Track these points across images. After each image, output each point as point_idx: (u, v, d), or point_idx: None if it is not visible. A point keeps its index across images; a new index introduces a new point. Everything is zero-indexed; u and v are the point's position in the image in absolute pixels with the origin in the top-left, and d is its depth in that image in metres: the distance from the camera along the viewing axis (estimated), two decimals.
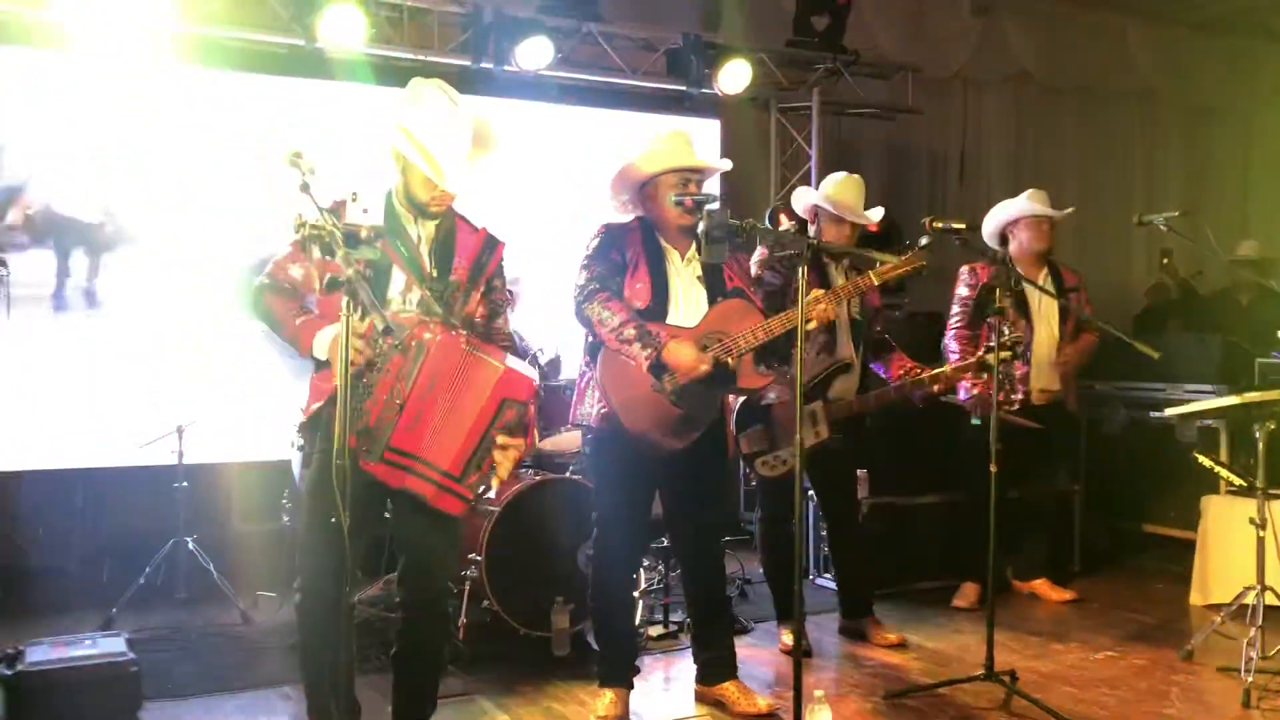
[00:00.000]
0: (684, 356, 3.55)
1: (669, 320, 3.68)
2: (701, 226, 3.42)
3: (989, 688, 3.95)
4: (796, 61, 7.09)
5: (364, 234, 2.50)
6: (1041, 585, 5.49)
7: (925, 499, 5.60)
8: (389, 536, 3.28)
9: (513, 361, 3.00)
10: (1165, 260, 7.57)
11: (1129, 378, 6.23)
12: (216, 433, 5.43)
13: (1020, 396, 5.05)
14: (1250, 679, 3.94)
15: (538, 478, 4.60)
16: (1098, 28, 8.68)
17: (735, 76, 6.57)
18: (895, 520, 5.49)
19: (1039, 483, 5.39)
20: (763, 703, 3.84)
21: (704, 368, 3.57)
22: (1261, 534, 4.10)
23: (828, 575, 5.53)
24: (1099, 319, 5.05)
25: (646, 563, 4.74)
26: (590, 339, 3.75)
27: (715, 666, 3.96)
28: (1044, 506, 5.52)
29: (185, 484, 5.14)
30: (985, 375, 4.43)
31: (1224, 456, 5.46)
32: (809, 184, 6.98)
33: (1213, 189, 9.84)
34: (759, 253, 4.45)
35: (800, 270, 3.19)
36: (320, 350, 2.95)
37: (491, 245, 3.27)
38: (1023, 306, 5.11)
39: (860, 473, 5.04)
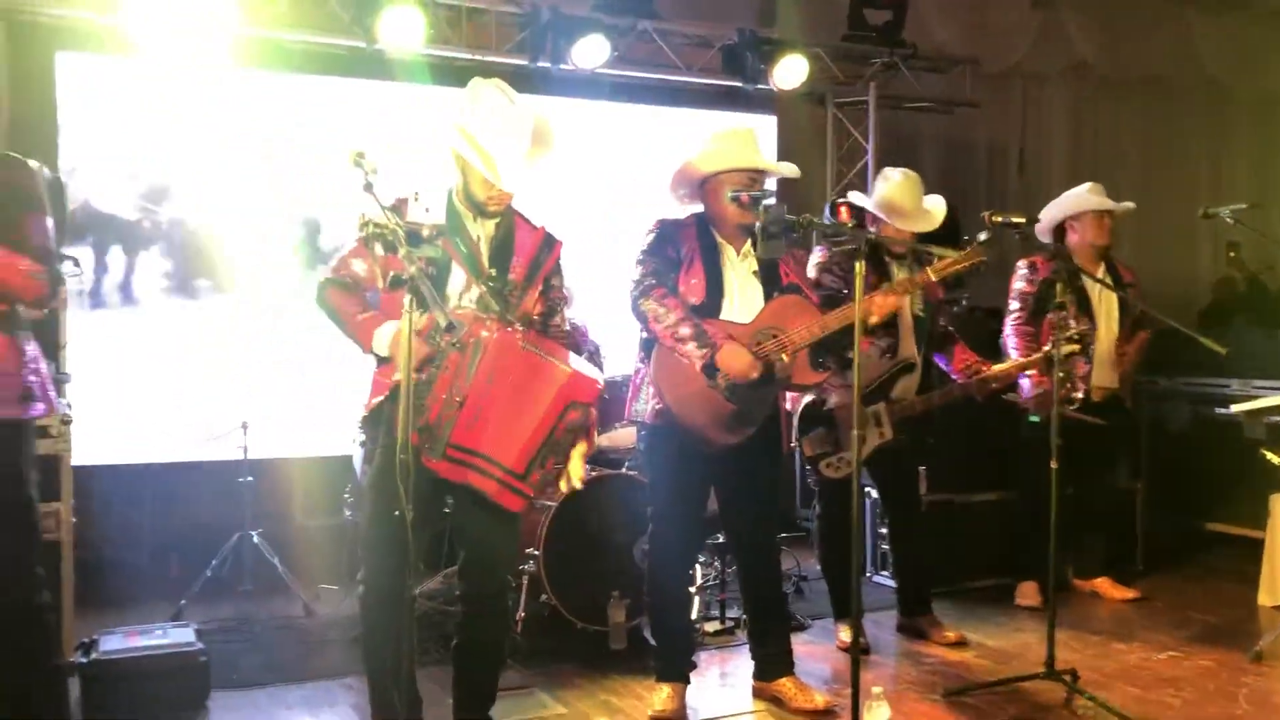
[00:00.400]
0: (736, 362, 3.55)
1: (723, 316, 3.68)
2: (758, 222, 3.42)
3: (1050, 686, 3.91)
4: (852, 56, 7.04)
5: (425, 232, 2.53)
6: (1103, 584, 5.41)
7: (982, 496, 5.55)
8: (449, 530, 3.33)
9: (577, 363, 3.04)
10: (1232, 254, 7.41)
11: (1193, 373, 6.12)
12: (280, 428, 5.54)
13: (1081, 395, 4.98)
14: None
15: (594, 473, 4.63)
16: (1160, 17, 8.50)
17: (791, 72, 6.55)
18: (952, 518, 5.44)
19: (1098, 480, 5.31)
20: (820, 699, 3.83)
21: (754, 375, 3.57)
22: None
23: (885, 573, 5.50)
24: (1163, 313, 4.97)
25: (702, 559, 4.75)
26: (645, 335, 3.76)
27: (772, 662, 3.96)
28: (1103, 504, 5.44)
29: (250, 479, 5.25)
30: (1045, 371, 4.38)
31: None
32: (865, 179, 6.95)
33: None
34: (819, 254, 4.44)
35: (858, 265, 3.18)
36: (380, 346, 3.00)
37: (549, 244, 3.31)
38: (1084, 302, 5.04)
39: (919, 469, 5.01)
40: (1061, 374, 3.95)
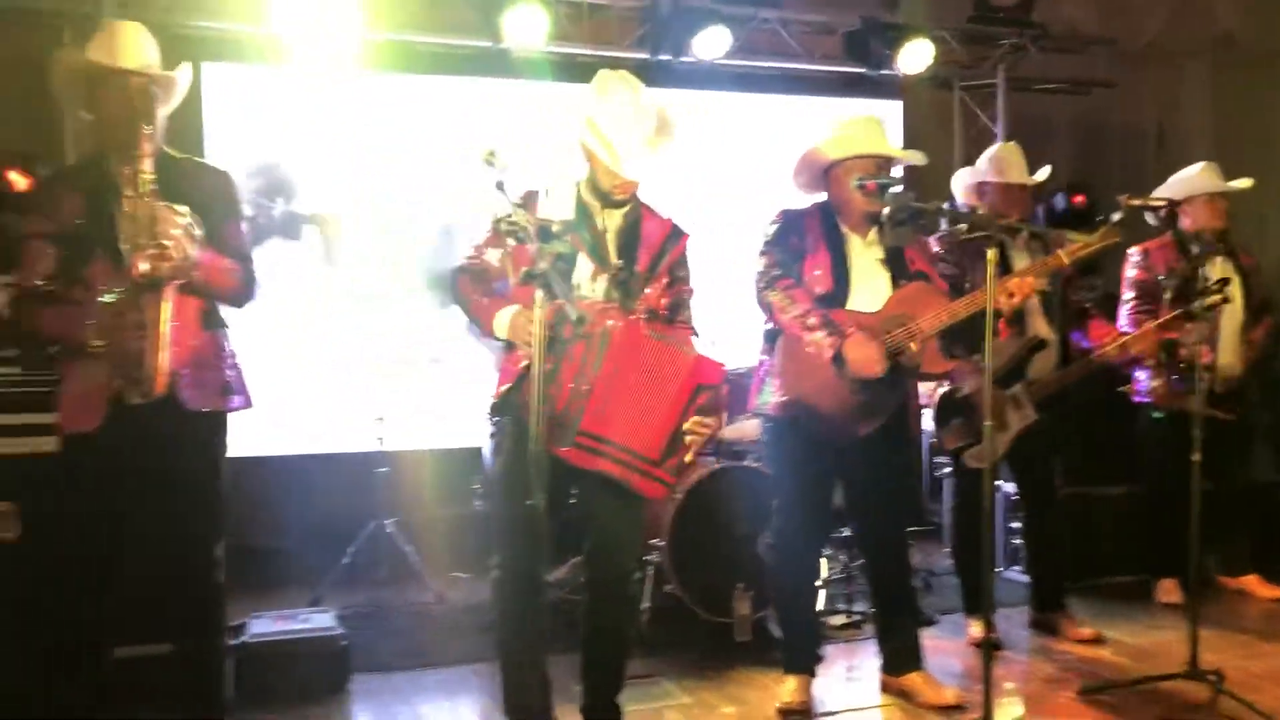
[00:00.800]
0: (862, 356, 3.50)
1: (850, 306, 3.64)
2: (886, 210, 3.37)
3: (1192, 687, 3.77)
4: (979, 38, 6.87)
5: (556, 228, 2.58)
6: (1251, 581, 5.20)
7: (1119, 489, 5.38)
8: (575, 519, 3.38)
9: (700, 348, 3.05)
10: None
11: None
12: (413, 421, 5.69)
13: (1205, 384, 4.77)
14: None
15: (719, 465, 4.65)
16: None
17: (916, 56, 6.43)
18: (1089, 511, 5.29)
19: (1234, 474, 5.08)
20: (950, 694, 3.76)
21: (879, 369, 3.51)
22: None
23: (1016, 568, 5.38)
24: None
25: (828, 552, 4.72)
26: (769, 326, 3.75)
27: (901, 656, 3.91)
28: (1243, 498, 5.20)
29: (385, 469, 5.42)
30: (1166, 362, 4.26)
31: None
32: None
33: None
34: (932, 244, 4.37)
35: (990, 253, 3.12)
36: (500, 330, 3.08)
37: (676, 235, 3.34)
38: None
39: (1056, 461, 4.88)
40: (1184, 359, 3.80)
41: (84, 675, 3.07)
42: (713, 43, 6.05)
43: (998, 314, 3.43)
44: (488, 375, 3.38)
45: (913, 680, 3.85)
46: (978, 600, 4.27)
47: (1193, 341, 3.80)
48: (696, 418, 3.05)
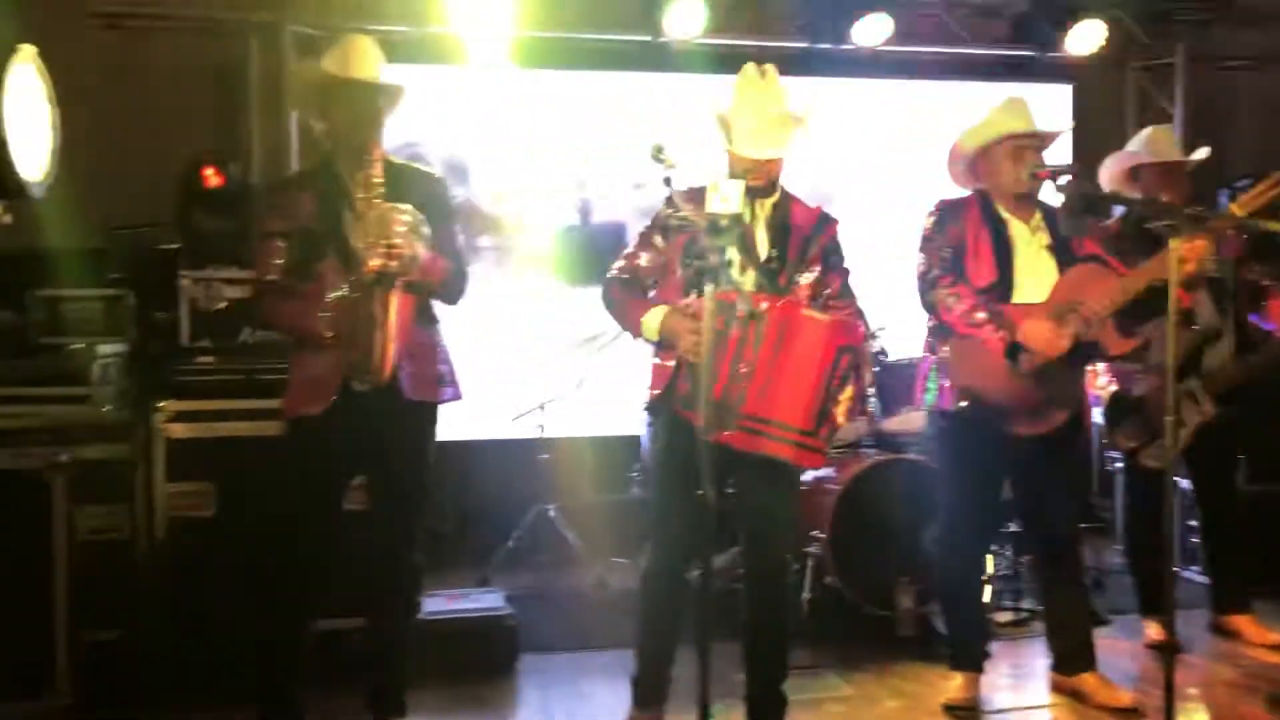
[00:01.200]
0: (1041, 333, 3.41)
1: (1015, 298, 3.54)
2: (1061, 199, 3.27)
3: None
4: (1155, 15, 6.56)
5: (724, 222, 2.61)
6: None
7: None
8: (730, 509, 3.41)
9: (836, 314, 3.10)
10: None
11: None
12: (574, 408, 5.81)
13: None
14: None
15: (880, 457, 4.60)
16: None
17: (1087, 37, 6.19)
18: (1274, 509, 5.02)
19: None
20: (1126, 697, 3.65)
21: (1063, 343, 3.41)
22: None
23: (1194, 568, 5.15)
24: None
25: (995, 548, 4.62)
26: (934, 323, 3.69)
27: (1073, 656, 3.80)
28: None
29: (547, 456, 5.56)
30: None
31: None
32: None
33: None
34: None
35: (1173, 243, 2.98)
36: (650, 331, 3.15)
37: (824, 222, 3.35)
38: None
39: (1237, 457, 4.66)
40: None
41: (297, 649, 3.25)
42: (873, 30, 5.96)
43: (1183, 282, 3.22)
44: (646, 364, 3.43)
45: (1086, 680, 3.74)
46: (1155, 601, 4.12)
47: None
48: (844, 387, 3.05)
